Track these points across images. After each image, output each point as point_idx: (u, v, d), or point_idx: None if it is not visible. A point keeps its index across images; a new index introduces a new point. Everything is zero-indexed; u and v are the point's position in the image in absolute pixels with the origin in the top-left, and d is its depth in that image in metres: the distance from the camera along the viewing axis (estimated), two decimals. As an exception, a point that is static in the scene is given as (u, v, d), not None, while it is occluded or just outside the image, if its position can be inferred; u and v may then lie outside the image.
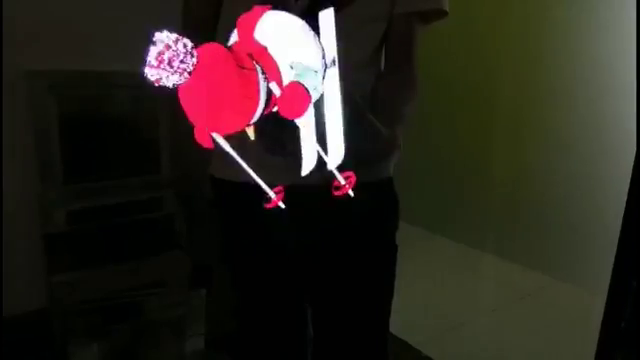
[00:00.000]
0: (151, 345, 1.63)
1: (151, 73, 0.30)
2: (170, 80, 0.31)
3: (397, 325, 1.34)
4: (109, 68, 1.54)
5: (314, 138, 0.42)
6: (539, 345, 2.13)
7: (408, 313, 2.17)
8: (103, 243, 1.57)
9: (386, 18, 0.89)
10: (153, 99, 1.60)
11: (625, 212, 1.09)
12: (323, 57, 0.41)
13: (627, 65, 2.23)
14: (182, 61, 0.31)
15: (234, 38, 0.39)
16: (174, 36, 0.31)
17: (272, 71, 0.37)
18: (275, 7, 0.38)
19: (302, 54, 0.39)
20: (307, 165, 0.43)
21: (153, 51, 0.30)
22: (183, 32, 0.30)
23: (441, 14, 0.92)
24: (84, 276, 1.53)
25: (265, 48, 0.37)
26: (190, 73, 0.31)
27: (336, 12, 0.90)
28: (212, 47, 0.33)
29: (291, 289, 1.04)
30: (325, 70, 0.41)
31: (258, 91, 0.35)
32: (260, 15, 0.38)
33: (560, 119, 2.63)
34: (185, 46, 0.31)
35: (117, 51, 1.56)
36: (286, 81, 0.38)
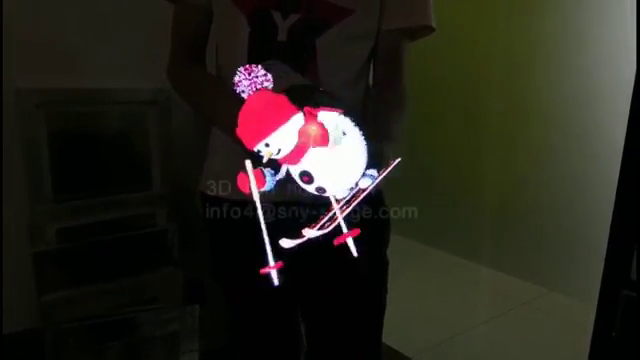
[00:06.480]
0: (144, 362, 1.62)
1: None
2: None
3: (392, 336, 1.34)
4: (99, 85, 1.54)
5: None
6: (533, 355, 2.13)
7: (403, 324, 2.16)
8: (95, 260, 1.56)
9: (373, 35, 0.90)
10: (143, 115, 1.60)
11: (612, 220, 1.10)
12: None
13: (616, 74, 2.26)
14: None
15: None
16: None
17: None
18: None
19: None
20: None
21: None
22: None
23: (428, 30, 0.93)
24: (76, 294, 1.52)
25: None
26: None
27: (323, 30, 0.91)
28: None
29: (283, 305, 1.04)
30: None
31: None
32: None
33: (550, 131, 2.65)
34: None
35: (106, 68, 1.57)
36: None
